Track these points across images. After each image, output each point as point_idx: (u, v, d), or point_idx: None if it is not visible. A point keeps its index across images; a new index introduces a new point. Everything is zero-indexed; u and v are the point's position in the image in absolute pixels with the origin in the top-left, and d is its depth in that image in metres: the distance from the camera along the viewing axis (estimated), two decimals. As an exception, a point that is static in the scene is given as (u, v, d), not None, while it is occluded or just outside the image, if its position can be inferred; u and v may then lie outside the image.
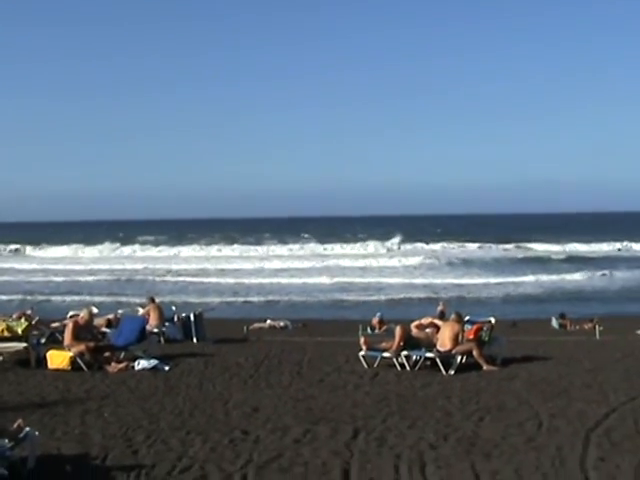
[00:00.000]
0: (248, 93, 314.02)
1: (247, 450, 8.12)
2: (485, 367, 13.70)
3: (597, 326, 21.83)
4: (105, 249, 72.27)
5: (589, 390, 11.57)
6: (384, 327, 20.96)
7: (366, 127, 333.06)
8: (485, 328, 14.62)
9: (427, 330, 14.81)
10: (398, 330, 14.19)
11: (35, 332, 16.21)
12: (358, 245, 70.85)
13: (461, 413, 10.01)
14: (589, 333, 21.40)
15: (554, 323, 24.08)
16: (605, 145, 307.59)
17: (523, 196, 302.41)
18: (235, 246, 72.55)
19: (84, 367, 13.65)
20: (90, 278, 46.36)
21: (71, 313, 18.38)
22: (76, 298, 34.30)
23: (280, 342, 18.63)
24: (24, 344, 14.27)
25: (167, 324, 18.83)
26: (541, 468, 7.42)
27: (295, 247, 70.88)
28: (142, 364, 13.83)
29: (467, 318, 15.06)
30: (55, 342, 16.13)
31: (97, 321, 16.89)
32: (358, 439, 8.60)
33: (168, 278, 46.93)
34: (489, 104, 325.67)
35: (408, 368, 13.81)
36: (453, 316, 14.52)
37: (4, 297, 34.11)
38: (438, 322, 14.98)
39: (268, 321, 24.19)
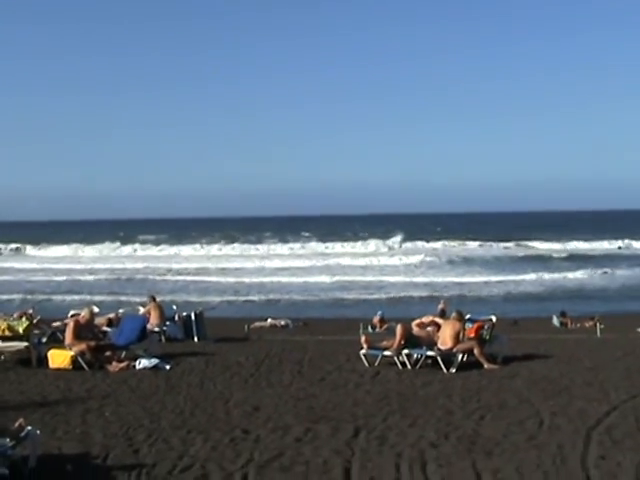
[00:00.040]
0: (248, 91, 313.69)
1: (248, 449, 8.12)
2: (486, 365, 13.69)
3: (598, 324, 21.86)
4: (106, 248, 72.31)
5: (590, 388, 11.57)
6: (385, 326, 20.96)
7: (366, 126, 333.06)
8: (486, 326, 14.61)
9: (428, 328, 14.80)
10: (399, 329, 14.19)
11: (36, 331, 16.18)
12: (359, 244, 70.91)
13: (462, 411, 10.01)
14: (590, 331, 21.41)
15: (555, 321, 24.09)
16: (605, 143, 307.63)
17: (524, 194, 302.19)
18: (236, 245, 72.65)
19: (85, 366, 13.65)
20: (91, 277, 46.42)
21: (72, 312, 18.37)
22: (77, 297, 34.33)
23: (281, 341, 18.64)
24: (25, 343, 14.28)
25: (168, 323, 18.83)
26: (542, 466, 7.42)
27: (296, 246, 70.96)
28: (143, 363, 13.84)
29: (468, 316, 15.06)
30: (56, 341, 16.12)
31: (98, 320, 16.90)
32: (359, 438, 8.60)
33: (169, 277, 46.96)
34: (489, 102, 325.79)
35: (409, 367, 13.81)
36: (454, 314, 14.52)
37: (5, 296, 34.12)
38: (439, 320, 14.97)
39: (269, 320, 24.21)
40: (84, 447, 8.25)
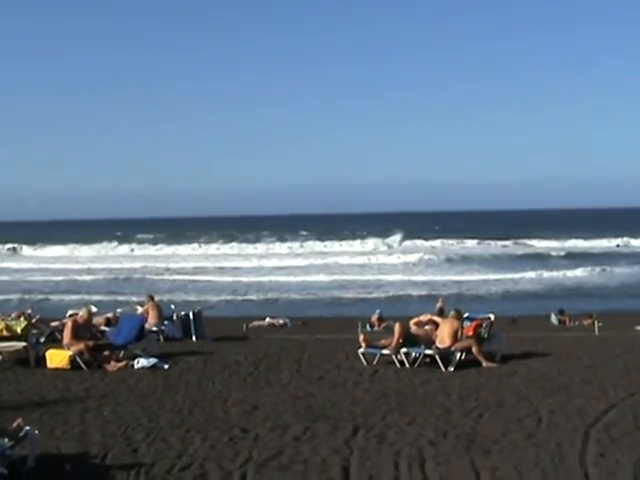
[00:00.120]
0: (247, 88, 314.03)
1: (247, 448, 8.12)
2: (484, 364, 13.70)
3: (596, 322, 21.87)
4: (103, 248, 72.25)
5: (588, 386, 11.58)
6: (383, 324, 21.00)
7: (365, 124, 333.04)
8: (484, 325, 14.61)
9: (426, 327, 14.80)
10: (397, 327, 14.19)
11: (34, 331, 16.19)
12: (357, 242, 70.90)
13: (460, 410, 10.01)
14: (588, 329, 21.43)
15: (553, 319, 24.11)
16: (604, 141, 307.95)
17: (522, 192, 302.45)
18: (234, 244, 72.62)
19: (83, 366, 13.64)
20: (88, 277, 46.39)
21: (70, 312, 18.37)
22: (75, 297, 34.31)
23: (279, 340, 18.64)
24: (23, 343, 14.26)
25: (166, 322, 18.82)
26: (541, 464, 7.42)
27: (294, 245, 70.93)
28: (141, 363, 13.83)
29: (466, 315, 15.05)
30: (54, 341, 16.12)
31: (96, 320, 16.88)
32: (358, 436, 8.60)
33: (167, 276, 46.95)
34: (488, 100, 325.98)
35: (407, 365, 13.81)
36: (452, 313, 14.52)
37: (2, 297, 34.09)
38: (437, 319, 14.97)
39: (267, 319, 24.21)
40: (83, 447, 8.24)
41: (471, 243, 72.11)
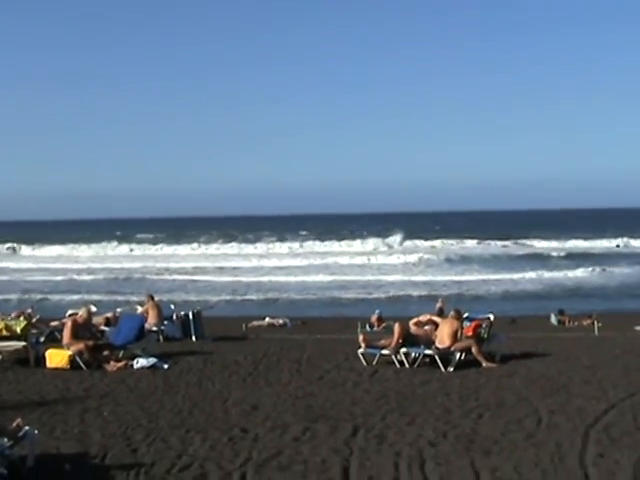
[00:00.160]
0: (248, 87, 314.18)
1: (246, 448, 8.12)
2: (484, 364, 13.69)
3: (596, 322, 21.87)
4: (103, 248, 72.23)
5: (588, 386, 11.57)
6: (383, 324, 21.00)
7: (365, 125, 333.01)
8: (484, 325, 14.61)
9: (426, 327, 14.80)
10: (397, 327, 14.19)
11: (34, 331, 16.19)
12: (357, 242, 70.88)
13: (460, 410, 10.01)
14: (588, 329, 21.43)
15: (553, 319, 24.11)
16: (605, 141, 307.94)
17: (522, 193, 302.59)
18: (234, 244, 72.61)
19: (83, 366, 13.64)
20: (88, 277, 46.38)
21: (70, 312, 18.37)
22: (74, 297, 34.30)
23: (279, 340, 18.64)
24: (23, 343, 14.26)
25: (166, 322, 18.82)
26: (540, 464, 7.42)
27: (294, 245, 70.92)
28: (141, 362, 13.82)
29: (466, 315, 15.05)
30: (54, 341, 16.12)
31: (96, 320, 16.87)
32: (357, 436, 8.60)
33: (166, 276, 46.93)
34: (488, 100, 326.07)
35: (407, 365, 13.81)
36: (452, 313, 14.51)
37: (1, 296, 34.08)
38: (437, 319, 14.96)
39: (267, 319, 24.21)
40: (82, 447, 8.23)
41: (471, 243, 72.10)
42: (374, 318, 21.97)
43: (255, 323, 23.45)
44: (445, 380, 12.44)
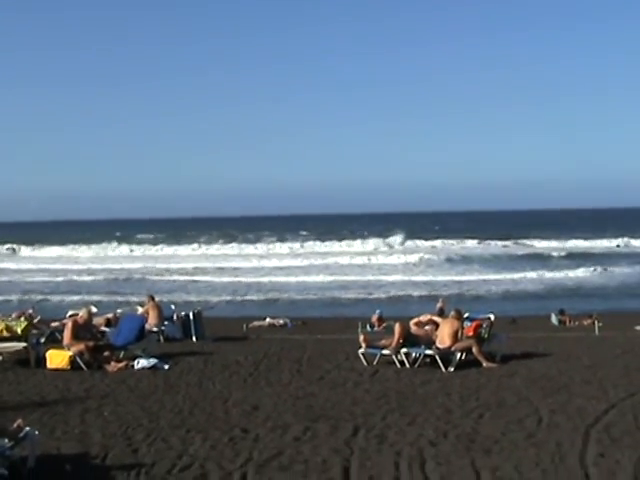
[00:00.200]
0: (247, 85, 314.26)
1: (247, 448, 8.12)
2: (485, 364, 13.70)
3: (596, 322, 21.87)
4: (103, 248, 72.21)
5: (589, 386, 11.58)
6: (383, 324, 21.01)
7: (365, 124, 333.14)
8: (484, 325, 14.61)
9: (426, 327, 14.80)
10: (397, 327, 14.19)
11: (34, 331, 16.20)
12: (357, 243, 70.87)
13: (461, 410, 10.01)
14: (588, 329, 21.43)
15: (553, 319, 24.11)
16: (605, 141, 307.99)
17: (523, 193, 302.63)
18: (234, 244, 72.62)
19: (83, 366, 13.64)
20: (88, 277, 46.37)
21: (70, 312, 18.37)
22: (75, 298, 34.31)
23: (279, 340, 18.64)
24: (24, 344, 14.26)
25: (166, 323, 18.82)
26: (541, 464, 7.42)
27: (294, 245, 70.91)
28: (142, 363, 13.83)
29: (466, 315, 15.06)
30: (54, 342, 16.13)
31: (96, 320, 16.88)
32: (358, 436, 8.60)
33: (167, 277, 46.93)
34: (488, 99, 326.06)
35: (408, 365, 13.81)
36: (452, 313, 14.52)
37: (2, 297, 34.09)
38: (437, 319, 14.97)
39: (267, 319, 24.21)
40: (83, 447, 8.24)
41: (471, 243, 72.08)
42: (374, 318, 21.97)
43: (256, 323, 23.45)
44: (446, 380, 12.45)
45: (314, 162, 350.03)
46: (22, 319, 15.89)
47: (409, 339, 14.10)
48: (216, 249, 70.03)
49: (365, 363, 14.04)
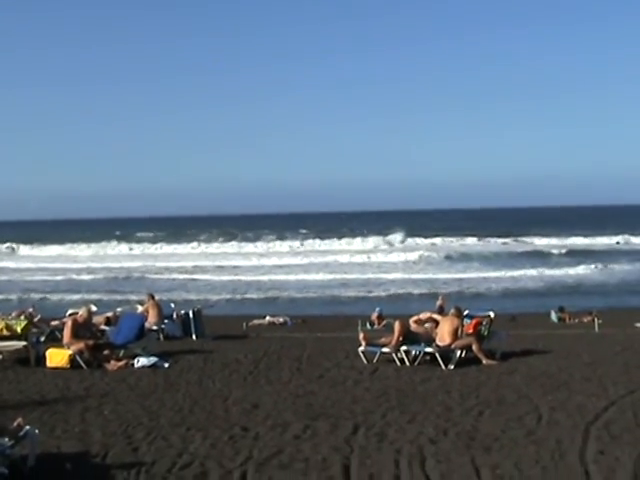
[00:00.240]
0: (248, 82, 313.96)
1: (247, 446, 8.13)
2: (484, 361, 13.70)
3: (596, 319, 21.87)
4: (103, 247, 72.15)
5: (588, 383, 11.59)
6: (383, 322, 20.99)
7: (365, 123, 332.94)
8: (484, 322, 14.62)
9: (426, 325, 14.81)
10: (397, 325, 14.20)
11: (34, 330, 16.21)
12: (357, 241, 70.83)
13: (461, 407, 10.02)
14: (588, 326, 21.43)
15: (553, 317, 24.09)
16: (604, 138, 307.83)
17: (523, 190, 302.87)
18: (233, 243, 72.58)
19: (83, 365, 13.65)
20: (88, 276, 46.32)
21: (70, 311, 18.38)
22: (74, 296, 34.29)
23: (279, 338, 18.64)
24: (23, 342, 14.27)
25: (166, 321, 18.83)
26: (541, 461, 7.43)
27: (294, 243, 70.87)
28: (141, 361, 13.83)
29: (466, 312, 15.05)
30: (54, 340, 16.14)
31: (96, 319, 16.89)
32: (358, 434, 8.61)
33: (166, 275, 46.90)
34: (488, 97, 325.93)
35: (407, 363, 13.82)
36: (452, 310, 14.52)
37: (1, 296, 34.06)
38: (437, 317, 14.98)
39: (267, 317, 24.19)
40: (83, 446, 8.24)
41: (471, 241, 72.01)
42: (374, 316, 21.96)
43: (255, 322, 23.44)
44: (445, 378, 12.45)
45: (314, 160, 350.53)
46: (22, 318, 15.91)
47: (409, 337, 14.11)
48: (216, 247, 69.94)
49: (365, 361, 14.05)
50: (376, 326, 21.15)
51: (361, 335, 14.65)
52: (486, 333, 14.51)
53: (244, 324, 22.13)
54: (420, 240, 72.29)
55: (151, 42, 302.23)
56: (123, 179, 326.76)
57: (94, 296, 32.92)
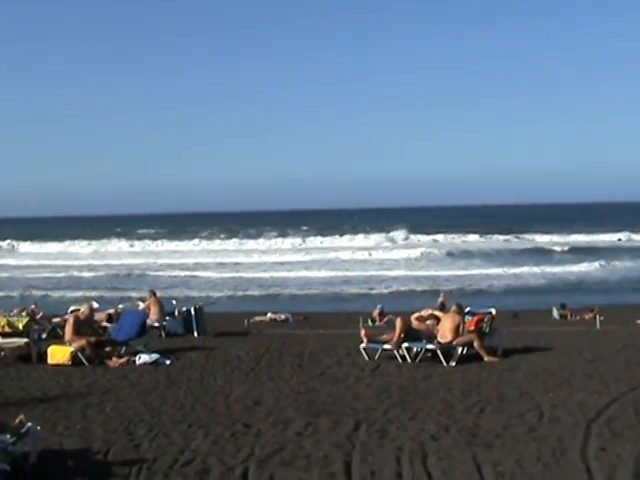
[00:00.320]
0: (248, 79, 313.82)
1: (249, 443, 8.13)
2: (486, 358, 13.70)
3: (597, 316, 21.85)
4: (104, 244, 72.15)
5: (590, 380, 11.58)
6: (385, 319, 20.97)
7: (365, 122, 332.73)
8: (486, 319, 14.62)
9: (427, 322, 14.81)
10: (398, 322, 14.20)
11: (36, 327, 16.23)
12: (359, 238, 70.78)
13: (462, 404, 10.02)
14: (590, 323, 21.41)
15: (555, 314, 24.07)
16: (606, 135, 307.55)
17: (524, 187, 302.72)
18: (235, 239, 72.57)
19: (85, 362, 13.66)
20: (89, 273, 46.32)
21: (72, 308, 18.40)
22: (76, 293, 34.30)
23: (281, 335, 18.65)
24: (25, 339, 14.30)
25: (168, 318, 18.83)
26: (542, 458, 7.43)
27: (296, 240, 70.86)
28: (143, 358, 13.84)
29: (468, 309, 15.07)
30: (56, 337, 16.15)
31: (98, 316, 16.89)
32: (359, 431, 8.61)
33: (168, 272, 46.90)
34: (488, 93, 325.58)
35: (409, 360, 13.82)
36: (454, 307, 14.52)
37: (2, 293, 34.09)
38: (438, 314, 14.98)
39: (269, 314, 24.18)
40: (85, 442, 8.26)
41: (473, 238, 71.93)
42: (376, 313, 21.93)
43: (257, 318, 23.43)
44: (447, 374, 12.46)
45: (314, 156, 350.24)
46: (24, 315, 15.92)
47: (410, 334, 14.11)
48: (217, 244, 69.94)
49: (367, 358, 14.05)
50: (377, 323, 21.13)
51: (363, 332, 14.65)
52: (487, 330, 14.51)
53: (245, 321, 22.12)
54: (422, 237, 72.25)
55: (151, 36, 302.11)
56: (123, 176, 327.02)
57: (95, 293, 32.95)
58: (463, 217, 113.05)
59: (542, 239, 69.14)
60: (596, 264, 44.78)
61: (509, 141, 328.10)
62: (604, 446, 7.79)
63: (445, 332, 13.93)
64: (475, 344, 13.86)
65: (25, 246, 74.16)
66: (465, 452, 7.67)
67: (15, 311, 17.11)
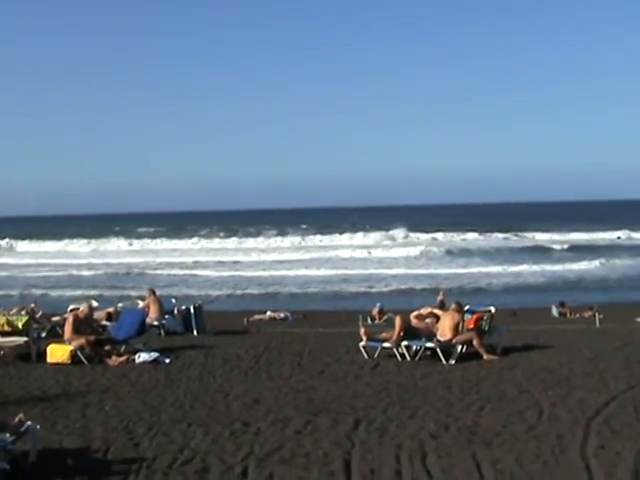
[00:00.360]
0: (248, 77, 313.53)
1: (248, 442, 8.13)
2: (485, 356, 13.71)
3: (597, 314, 21.88)
4: (103, 243, 72.13)
5: (589, 378, 11.59)
6: (384, 317, 21.00)
7: (365, 122, 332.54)
8: (485, 317, 14.61)
9: (427, 320, 14.81)
10: (398, 320, 14.20)
11: (35, 326, 16.22)
12: (359, 236, 70.80)
13: (462, 402, 10.02)
14: (589, 321, 21.45)
15: (554, 312, 24.11)
16: (606, 133, 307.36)
17: (523, 185, 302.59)
18: (234, 238, 72.57)
19: (84, 361, 13.66)
20: (88, 272, 46.32)
21: (71, 307, 18.39)
22: (75, 292, 34.30)
23: (280, 333, 18.65)
24: (25, 338, 14.29)
25: (167, 317, 18.84)
26: (542, 457, 7.43)
27: (295, 239, 70.86)
28: (142, 357, 13.84)
29: (467, 307, 15.06)
30: (55, 336, 16.14)
31: (97, 314, 16.89)
32: (359, 429, 8.61)
33: (167, 271, 46.90)
34: (488, 92, 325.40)
35: (408, 358, 13.82)
36: (453, 306, 14.52)
37: (2, 292, 34.09)
38: (438, 312, 14.97)
39: (268, 313, 24.21)
40: (84, 441, 8.25)
41: (472, 236, 71.97)
42: (375, 311, 21.96)
43: (256, 317, 23.46)
44: (446, 373, 12.46)
45: (313, 153, 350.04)
46: (23, 313, 15.91)
47: (410, 332, 14.11)
48: (216, 243, 69.99)
49: (366, 356, 14.05)
50: (377, 321, 21.16)
51: (362, 330, 14.66)
52: (487, 328, 14.50)
53: (245, 319, 22.13)
54: (421, 235, 72.26)
55: (151, 33, 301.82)
56: (122, 174, 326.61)
57: (95, 292, 32.97)
58: (462, 215, 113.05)
59: (541, 237, 69.21)
60: (596, 262, 44.82)
61: (508, 138, 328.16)
62: (603, 444, 7.79)
63: (444, 330, 13.93)
64: (474, 342, 13.86)
65: (24, 245, 74.07)
66: (464, 450, 7.67)
67: (14, 310, 17.10)
